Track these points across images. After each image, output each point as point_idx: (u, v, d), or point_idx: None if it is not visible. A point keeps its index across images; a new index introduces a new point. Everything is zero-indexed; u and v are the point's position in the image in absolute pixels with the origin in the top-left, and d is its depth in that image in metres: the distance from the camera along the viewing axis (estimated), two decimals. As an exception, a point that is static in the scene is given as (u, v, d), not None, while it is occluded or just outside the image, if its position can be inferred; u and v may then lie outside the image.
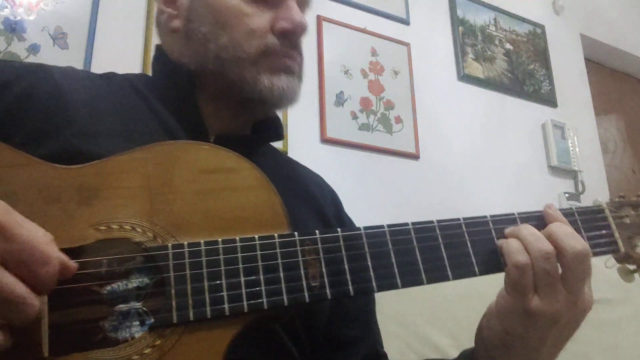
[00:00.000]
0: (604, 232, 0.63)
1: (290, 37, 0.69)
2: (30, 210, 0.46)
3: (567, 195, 2.40)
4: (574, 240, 0.55)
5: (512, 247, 0.55)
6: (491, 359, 0.59)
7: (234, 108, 0.70)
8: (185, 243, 0.49)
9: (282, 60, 0.68)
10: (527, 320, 0.54)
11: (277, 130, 0.76)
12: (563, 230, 0.56)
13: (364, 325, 0.75)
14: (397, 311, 1.30)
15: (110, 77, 0.72)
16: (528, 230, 0.56)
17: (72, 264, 0.44)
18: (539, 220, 0.60)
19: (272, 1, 0.69)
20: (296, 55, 0.71)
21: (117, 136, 0.60)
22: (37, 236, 0.40)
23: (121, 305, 0.47)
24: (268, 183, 0.54)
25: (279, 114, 0.77)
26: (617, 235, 0.63)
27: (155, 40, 1.69)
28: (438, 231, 0.57)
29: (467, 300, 1.38)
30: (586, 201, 2.44)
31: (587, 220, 0.63)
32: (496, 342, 0.57)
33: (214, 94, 0.69)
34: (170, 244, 0.49)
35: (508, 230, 0.58)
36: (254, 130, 0.75)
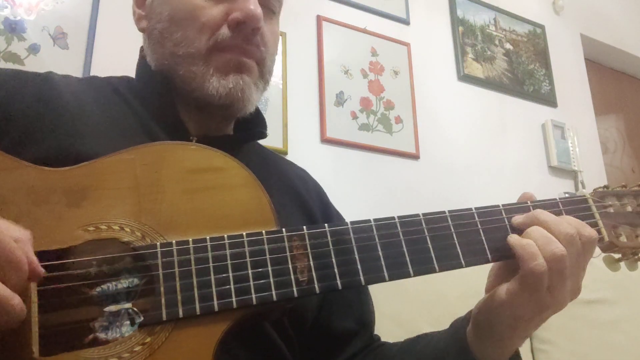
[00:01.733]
0: (587, 221, 0.63)
1: (243, 29, 0.65)
2: (19, 213, 0.46)
3: (567, 195, 2.40)
4: (563, 225, 0.57)
5: (527, 252, 0.55)
6: (497, 338, 0.60)
7: (200, 109, 0.69)
8: (174, 241, 0.49)
9: (233, 56, 0.65)
10: (538, 309, 0.56)
11: (259, 129, 0.75)
12: (546, 217, 0.58)
13: (358, 315, 0.75)
14: (396, 311, 1.30)
15: (91, 80, 0.72)
16: (539, 233, 0.56)
17: (40, 269, 0.43)
18: (523, 211, 0.61)
19: None
20: (253, 51, 0.67)
21: (101, 137, 0.60)
22: (11, 240, 0.40)
23: (111, 306, 0.47)
24: (255, 181, 0.55)
25: (265, 112, 0.76)
26: (600, 224, 0.64)
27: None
28: (424, 224, 0.57)
29: (466, 300, 1.38)
30: (586, 201, 2.45)
31: (571, 210, 0.63)
32: (502, 327, 0.59)
33: (181, 94, 0.69)
34: (158, 243, 0.49)
35: (518, 221, 0.59)
36: (237, 129, 0.74)
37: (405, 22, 2.26)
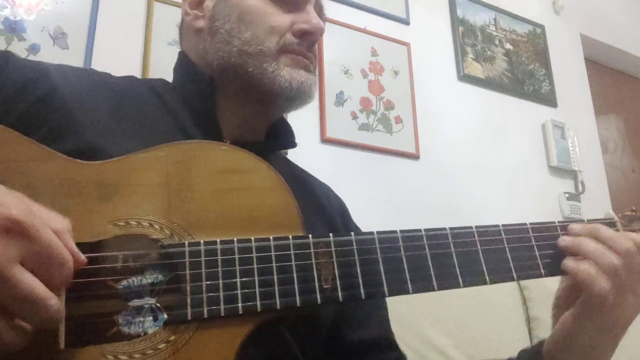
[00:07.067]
0: None
1: (308, 38, 0.71)
2: (51, 204, 0.47)
3: (567, 195, 2.40)
4: (622, 240, 0.58)
5: (589, 275, 0.56)
6: None
7: (252, 106, 0.72)
8: (202, 241, 0.50)
9: (300, 58, 0.71)
10: (606, 329, 0.58)
11: (290, 139, 0.79)
12: (606, 232, 0.58)
13: (378, 325, 0.75)
14: (398, 311, 1.30)
15: (131, 79, 0.74)
16: (592, 246, 0.57)
17: (82, 258, 0.44)
18: (551, 230, 0.61)
19: (292, 5, 0.71)
20: (312, 58, 0.73)
21: (135, 137, 0.62)
22: (55, 235, 0.40)
23: (135, 301, 0.47)
24: (284, 185, 0.55)
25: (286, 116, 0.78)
26: None
27: (155, 40, 1.69)
28: (450, 238, 0.57)
29: (467, 301, 1.38)
30: (586, 201, 2.45)
31: None
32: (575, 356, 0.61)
33: (235, 91, 0.71)
34: (186, 242, 0.50)
35: (573, 231, 0.60)
36: (268, 137, 0.77)
37: (405, 22, 2.26)
